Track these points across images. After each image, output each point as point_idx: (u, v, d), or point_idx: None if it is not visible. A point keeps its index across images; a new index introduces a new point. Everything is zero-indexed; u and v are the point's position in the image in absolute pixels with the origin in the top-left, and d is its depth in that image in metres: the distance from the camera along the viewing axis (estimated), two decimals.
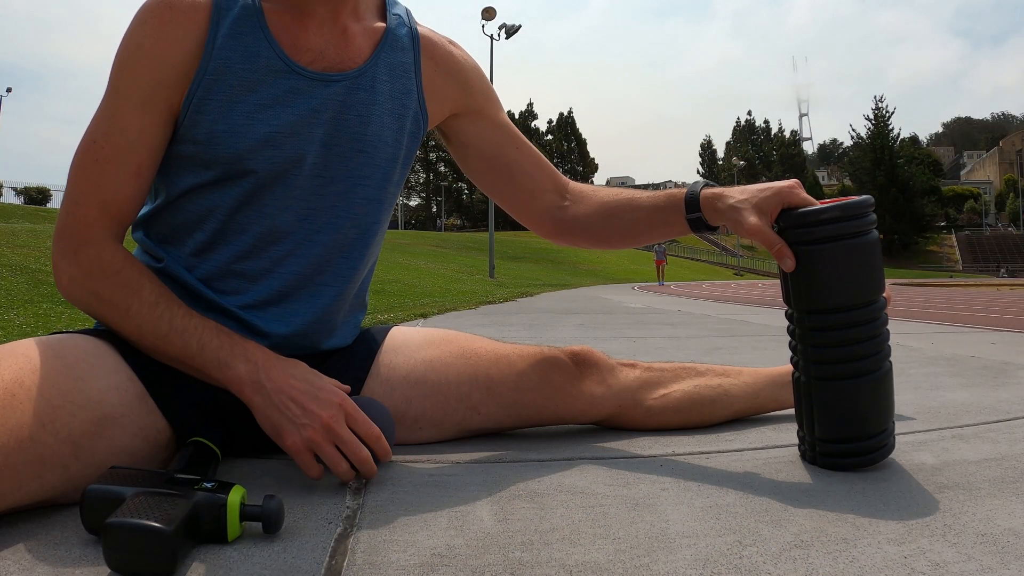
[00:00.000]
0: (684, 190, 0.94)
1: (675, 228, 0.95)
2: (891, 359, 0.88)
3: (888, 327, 0.88)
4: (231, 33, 0.81)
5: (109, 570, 0.55)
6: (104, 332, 0.83)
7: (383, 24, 0.91)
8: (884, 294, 0.87)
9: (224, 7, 0.81)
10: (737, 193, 0.88)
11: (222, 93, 0.81)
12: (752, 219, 0.84)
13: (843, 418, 0.86)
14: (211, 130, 0.81)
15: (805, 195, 0.85)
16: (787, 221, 0.86)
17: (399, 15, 0.93)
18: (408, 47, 0.93)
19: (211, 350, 0.78)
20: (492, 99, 1.04)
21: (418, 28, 0.96)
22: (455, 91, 0.98)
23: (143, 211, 0.88)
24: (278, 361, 0.80)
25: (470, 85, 1.00)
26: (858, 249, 0.84)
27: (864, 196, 0.86)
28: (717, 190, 0.91)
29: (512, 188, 1.04)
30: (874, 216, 0.86)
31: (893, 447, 0.89)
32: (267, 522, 0.63)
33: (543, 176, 1.04)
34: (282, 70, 0.83)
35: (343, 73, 0.86)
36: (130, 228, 0.88)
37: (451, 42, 1.00)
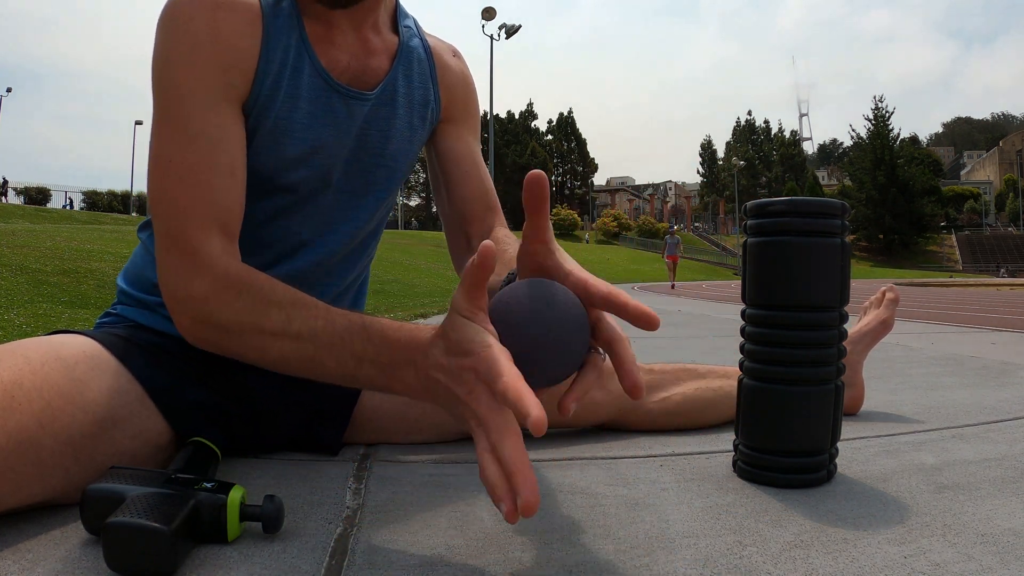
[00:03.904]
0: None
1: None
2: (838, 383, 0.84)
3: (841, 348, 0.84)
4: (281, 42, 0.77)
5: (109, 570, 0.55)
6: (104, 333, 0.82)
7: (396, 37, 0.89)
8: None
9: (270, 13, 0.76)
10: None
11: (275, 107, 0.77)
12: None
13: (765, 425, 0.82)
14: (255, 144, 0.77)
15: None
16: (745, 212, 0.86)
17: (409, 26, 0.92)
18: (424, 58, 0.92)
19: (368, 364, 0.61)
20: (475, 119, 1.00)
21: (427, 39, 0.95)
22: (451, 98, 0.96)
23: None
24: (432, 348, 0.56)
25: (469, 99, 0.98)
26: (805, 249, 0.81)
27: (829, 199, 0.83)
28: None
29: (448, 204, 0.95)
30: (838, 222, 0.82)
31: (829, 476, 0.83)
32: (267, 522, 0.63)
33: (477, 209, 0.92)
34: (322, 86, 0.79)
35: (371, 91, 0.84)
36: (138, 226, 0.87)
37: (454, 52, 0.99)
